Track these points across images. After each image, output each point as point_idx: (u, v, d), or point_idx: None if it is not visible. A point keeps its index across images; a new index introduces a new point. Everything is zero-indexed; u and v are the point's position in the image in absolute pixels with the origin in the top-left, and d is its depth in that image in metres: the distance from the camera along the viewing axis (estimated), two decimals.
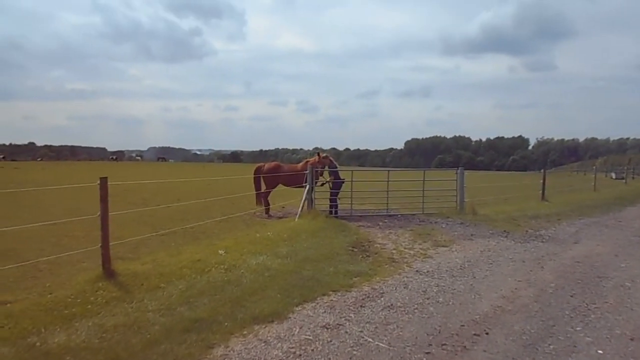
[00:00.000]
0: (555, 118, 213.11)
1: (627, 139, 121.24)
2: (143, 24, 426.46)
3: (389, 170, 14.03)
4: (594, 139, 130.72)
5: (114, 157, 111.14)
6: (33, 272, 6.38)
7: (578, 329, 4.83)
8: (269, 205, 13.04)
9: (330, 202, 12.28)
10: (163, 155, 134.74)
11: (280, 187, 13.37)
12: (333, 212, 12.08)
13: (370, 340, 4.44)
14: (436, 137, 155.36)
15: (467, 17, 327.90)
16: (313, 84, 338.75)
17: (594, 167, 28.91)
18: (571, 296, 5.91)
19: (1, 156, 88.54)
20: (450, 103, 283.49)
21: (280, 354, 4.10)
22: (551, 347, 4.35)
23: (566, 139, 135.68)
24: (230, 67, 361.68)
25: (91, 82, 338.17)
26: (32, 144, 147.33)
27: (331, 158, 13.05)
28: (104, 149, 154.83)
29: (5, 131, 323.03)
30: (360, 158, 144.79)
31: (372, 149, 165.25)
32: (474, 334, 4.62)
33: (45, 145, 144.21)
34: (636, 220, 13.12)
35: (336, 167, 12.76)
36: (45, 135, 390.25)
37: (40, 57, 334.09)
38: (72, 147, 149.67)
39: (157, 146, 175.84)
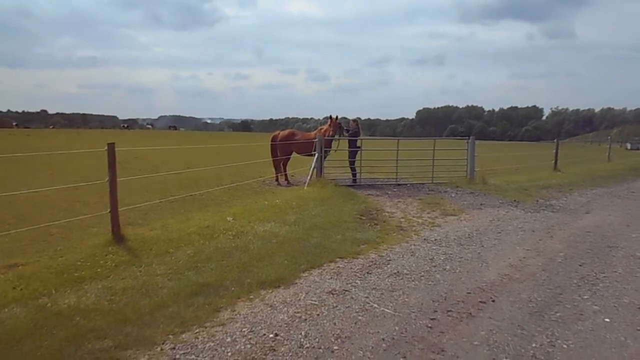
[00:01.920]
0: (572, 88, 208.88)
1: None
2: None
3: (398, 140, 13.85)
4: (610, 109, 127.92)
5: (125, 125, 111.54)
6: (44, 236, 6.48)
7: (585, 297, 4.80)
8: (285, 172, 12.99)
9: (351, 169, 12.22)
10: (174, 124, 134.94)
11: (295, 155, 13.23)
12: (352, 179, 12.05)
13: (376, 306, 4.46)
14: (448, 106, 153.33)
15: None
16: (324, 52, 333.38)
17: (609, 138, 28.37)
18: (580, 265, 5.87)
19: (14, 123, 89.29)
20: (464, 72, 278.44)
21: (286, 318, 4.14)
22: (557, 314, 4.34)
23: (581, 109, 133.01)
24: (240, 34, 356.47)
25: (101, 49, 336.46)
26: (44, 111, 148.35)
27: (359, 123, 12.80)
28: (115, 117, 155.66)
29: (17, 99, 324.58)
30: (371, 127, 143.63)
31: (383, 118, 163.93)
32: (480, 301, 4.62)
33: (57, 113, 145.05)
34: None
35: (358, 134, 12.50)
36: (57, 103, 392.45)
37: (49, 23, 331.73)
38: (84, 115, 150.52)
39: (168, 115, 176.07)
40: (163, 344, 3.63)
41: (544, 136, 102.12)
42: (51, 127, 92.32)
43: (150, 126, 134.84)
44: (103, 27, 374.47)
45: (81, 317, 3.94)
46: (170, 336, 3.74)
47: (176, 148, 23.10)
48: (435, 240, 6.98)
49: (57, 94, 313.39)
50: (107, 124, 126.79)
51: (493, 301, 4.64)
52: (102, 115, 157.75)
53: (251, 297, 4.59)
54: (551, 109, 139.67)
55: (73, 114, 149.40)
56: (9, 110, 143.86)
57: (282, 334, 3.84)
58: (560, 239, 7.24)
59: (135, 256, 5.46)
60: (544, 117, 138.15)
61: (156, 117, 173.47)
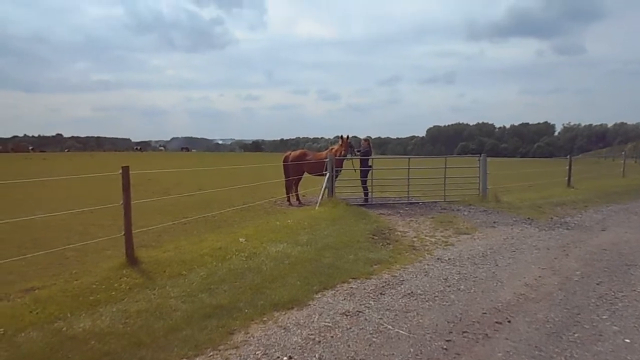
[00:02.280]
0: (583, 103, 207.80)
1: None
2: (164, 14, 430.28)
3: (409, 158, 13.86)
4: (623, 124, 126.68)
5: (139, 147, 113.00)
6: (60, 259, 6.55)
7: (604, 317, 4.71)
8: (297, 192, 13.04)
9: (363, 188, 12.24)
10: (186, 145, 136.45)
11: (306, 175, 13.29)
12: (364, 198, 12.07)
13: (390, 327, 4.42)
14: (459, 124, 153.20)
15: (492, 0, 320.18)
16: (334, 72, 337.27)
17: (623, 153, 28.03)
18: (597, 284, 5.77)
19: (30, 147, 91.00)
20: (473, 89, 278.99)
21: (300, 340, 4.12)
22: (576, 335, 4.26)
23: (594, 124, 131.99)
24: (251, 57, 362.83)
25: (115, 73, 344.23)
26: (59, 135, 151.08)
27: (370, 141, 12.86)
28: (128, 139, 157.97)
29: (32, 123, 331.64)
30: (382, 146, 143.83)
31: (394, 136, 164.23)
32: (496, 322, 4.55)
33: (72, 137, 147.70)
34: None
35: (370, 153, 12.54)
36: (71, 127, 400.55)
37: (64, 49, 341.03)
38: (98, 137, 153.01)
39: (180, 136, 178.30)
40: None
41: (556, 152, 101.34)
42: (66, 150, 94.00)
43: (162, 148, 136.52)
44: (117, 52, 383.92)
45: (96, 340, 3.97)
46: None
47: (188, 170, 23.32)
48: (449, 259, 6.92)
49: (71, 117, 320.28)
50: (121, 147, 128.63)
51: (509, 322, 4.57)
52: (116, 138, 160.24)
53: (264, 319, 4.58)
54: (563, 124, 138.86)
55: (87, 137, 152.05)
56: (25, 135, 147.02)
57: (296, 357, 3.81)
58: (576, 257, 7.13)
59: (149, 278, 5.50)
60: (556, 133, 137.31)
61: (168, 139, 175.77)
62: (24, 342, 3.91)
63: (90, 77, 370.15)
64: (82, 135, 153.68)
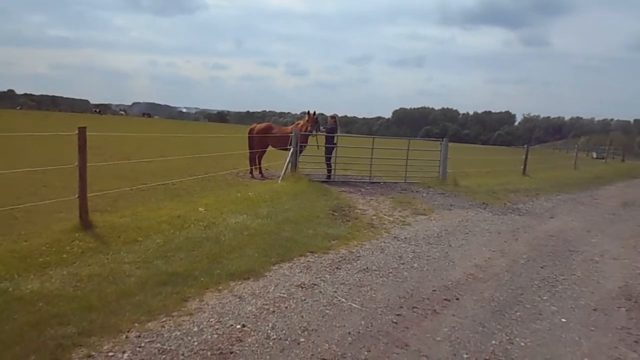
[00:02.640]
0: (545, 95, 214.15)
1: (612, 120, 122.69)
2: None
3: (374, 138, 13.99)
4: (579, 118, 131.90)
5: (97, 110, 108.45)
6: (8, 219, 6.29)
7: (545, 298, 4.99)
8: (260, 165, 12.95)
9: (326, 165, 12.27)
10: (148, 111, 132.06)
11: (270, 149, 13.19)
12: (327, 175, 12.11)
13: (344, 300, 4.53)
14: (425, 108, 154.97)
15: None
16: (304, 47, 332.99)
17: (576, 146, 29.30)
18: (541, 267, 6.08)
19: None
20: (442, 74, 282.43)
21: (254, 309, 4.17)
22: (517, 314, 4.50)
23: (552, 116, 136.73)
24: (221, 24, 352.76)
25: (74, 30, 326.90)
26: (11, 91, 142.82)
27: (337, 119, 12.84)
28: (87, 101, 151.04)
29: None
30: (348, 125, 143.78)
31: (360, 116, 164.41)
32: (445, 299, 4.75)
33: (25, 94, 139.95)
34: (611, 199, 13.42)
35: (336, 130, 12.53)
36: (26, 83, 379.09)
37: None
38: (54, 97, 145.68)
39: (142, 102, 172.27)
40: (128, 332, 3.61)
41: (515, 141, 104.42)
42: (19, 108, 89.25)
43: (123, 112, 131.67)
44: (77, 7, 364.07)
45: (44, 302, 3.87)
46: (136, 324, 3.72)
47: (149, 135, 22.68)
48: (405, 238, 7.11)
49: (26, 73, 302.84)
50: (78, 108, 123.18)
51: (457, 299, 4.77)
52: (73, 99, 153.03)
53: (220, 288, 4.59)
54: (523, 115, 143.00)
55: (42, 95, 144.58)
56: None
57: (249, 325, 3.86)
58: (524, 241, 7.47)
59: (103, 243, 5.38)
60: (516, 123, 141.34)
61: (130, 104, 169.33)
62: None
63: (47, 31, 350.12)
64: (37, 93, 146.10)
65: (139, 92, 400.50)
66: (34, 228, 5.91)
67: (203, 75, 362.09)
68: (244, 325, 3.85)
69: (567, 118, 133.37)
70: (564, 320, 4.44)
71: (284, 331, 3.80)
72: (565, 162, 26.12)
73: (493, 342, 3.89)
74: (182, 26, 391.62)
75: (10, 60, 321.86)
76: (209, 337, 3.63)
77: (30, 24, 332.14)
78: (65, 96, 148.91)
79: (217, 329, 3.77)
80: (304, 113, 12.96)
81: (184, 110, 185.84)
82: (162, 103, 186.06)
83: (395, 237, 7.15)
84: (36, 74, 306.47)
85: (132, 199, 8.29)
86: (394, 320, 4.16)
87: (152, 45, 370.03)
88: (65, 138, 6.30)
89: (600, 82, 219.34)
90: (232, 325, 3.84)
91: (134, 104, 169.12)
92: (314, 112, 12.33)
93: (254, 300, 4.36)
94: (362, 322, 4.07)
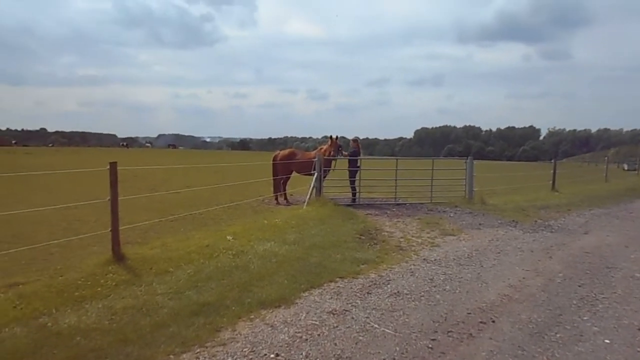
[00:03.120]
0: (568, 108, 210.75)
1: None
2: (154, 9, 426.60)
3: (397, 159, 13.95)
4: (606, 130, 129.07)
5: (125, 143, 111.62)
6: (44, 255, 6.48)
7: (585, 318, 4.81)
8: (285, 191, 13.04)
9: (351, 189, 12.29)
10: (173, 142, 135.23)
11: (294, 174, 13.29)
12: (352, 198, 12.10)
13: (376, 326, 4.46)
14: (446, 126, 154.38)
15: (481, 3, 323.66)
16: (323, 72, 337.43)
17: (606, 158, 28.53)
18: (579, 286, 5.88)
19: (13, 141, 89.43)
20: (461, 92, 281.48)
21: (287, 338, 4.14)
22: (558, 335, 4.35)
23: (578, 129, 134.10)
24: (240, 54, 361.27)
25: (101, 68, 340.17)
26: (43, 129, 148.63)
27: (359, 142, 12.90)
28: (114, 135, 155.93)
29: (16, 117, 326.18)
30: (370, 147, 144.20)
31: (382, 138, 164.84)
32: (480, 322, 4.62)
33: (57, 132, 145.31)
34: None
35: (358, 153, 12.58)
36: (57, 121, 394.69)
37: (51, 42, 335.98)
38: (83, 133, 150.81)
39: (167, 133, 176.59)
40: None
41: (541, 156, 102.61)
42: (50, 145, 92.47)
43: (149, 144, 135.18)
44: (105, 46, 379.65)
45: (82, 336, 3.94)
46: (171, 356, 3.74)
47: (175, 167, 23.14)
48: (435, 260, 7.00)
49: (57, 112, 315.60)
50: (106, 142, 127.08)
51: (493, 322, 4.65)
52: (101, 134, 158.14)
53: (252, 316, 4.59)
54: (548, 129, 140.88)
55: (72, 132, 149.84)
56: (8, 129, 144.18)
57: (283, 354, 3.83)
58: (559, 259, 7.26)
59: (136, 275, 5.47)
60: (541, 138, 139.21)
61: (155, 136, 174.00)
62: (7, 338, 3.86)
63: (76, 71, 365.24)
64: (67, 130, 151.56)
65: (164, 124, 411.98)
66: (69, 263, 6.06)
67: (225, 105, 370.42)
68: (277, 355, 3.82)
69: (594, 130, 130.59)
70: (607, 341, 4.26)
71: (317, 359, 3.76)
72: (595, 175, 25.46)
73: None
74: (203, 58, 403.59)
75: (42, 100, 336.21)
76: None
77: (60, 65, 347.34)
78: (93, 132, 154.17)
79: (251, 358, 3.75)
80: (325, 137, 13.07)
81: (208, 139, 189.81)
82: (187, 134, 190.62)
83: (424, 259, 7.05)
84: (66, 111, 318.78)
85: (162, 230, 8.43)
86: (430, 346, 4.07)
87: (175, 78, 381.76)
88: (95, 173, 6.49)
89: (626, 92, 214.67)
90: (265, 354, 3.82)
91: (159, 135, 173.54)
92: (336, 137, 12.42)
93: (286, 329, 4.33)
94: (397, 348, 4.00)
